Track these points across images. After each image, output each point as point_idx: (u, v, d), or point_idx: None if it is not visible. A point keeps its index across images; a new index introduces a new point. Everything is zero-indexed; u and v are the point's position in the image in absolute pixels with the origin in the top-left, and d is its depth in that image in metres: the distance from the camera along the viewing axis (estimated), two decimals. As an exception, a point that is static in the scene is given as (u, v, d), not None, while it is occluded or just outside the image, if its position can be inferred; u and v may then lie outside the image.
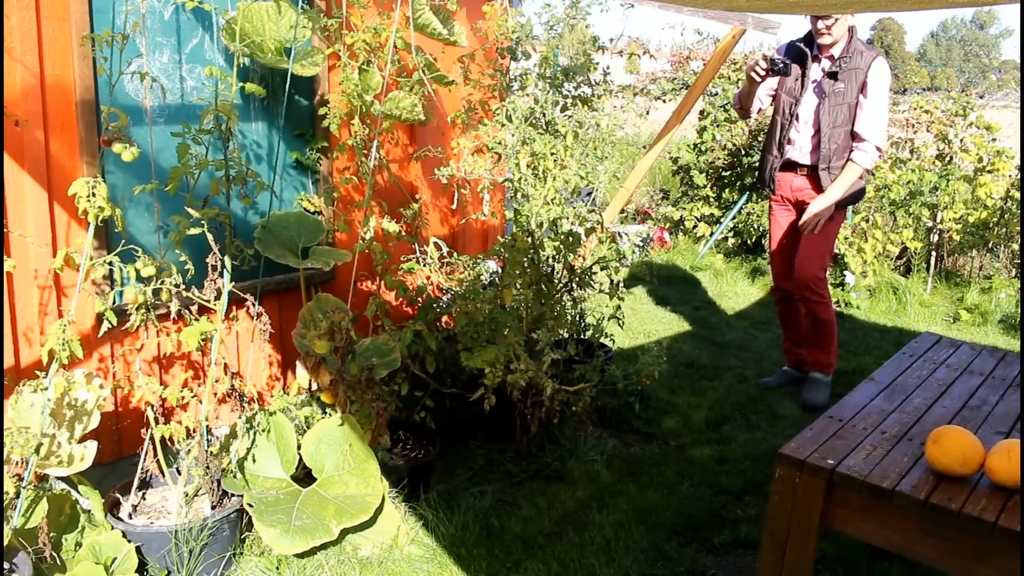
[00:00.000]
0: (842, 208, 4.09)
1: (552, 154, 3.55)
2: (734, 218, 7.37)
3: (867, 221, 6.55)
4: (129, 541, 2.52)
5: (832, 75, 3.84)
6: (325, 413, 3.09)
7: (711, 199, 7.63)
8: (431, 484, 3.23)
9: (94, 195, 2.38)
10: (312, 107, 3.28)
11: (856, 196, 4.09)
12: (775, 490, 2.03)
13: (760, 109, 4.16)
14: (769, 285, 6.62)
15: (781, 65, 3.78)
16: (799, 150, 4.01)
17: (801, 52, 3.94)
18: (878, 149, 3.84)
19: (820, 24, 3.79)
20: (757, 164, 7.19)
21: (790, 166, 4.07)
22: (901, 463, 1.98)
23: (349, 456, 2.86)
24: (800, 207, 4.10)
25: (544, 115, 3.66)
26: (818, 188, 3.98)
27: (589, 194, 7.09)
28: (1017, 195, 6.37)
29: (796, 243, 4.15)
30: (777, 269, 4.34)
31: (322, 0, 3.09)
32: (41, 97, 2.55)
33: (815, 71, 3.93)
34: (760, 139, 7.20)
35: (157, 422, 2.70)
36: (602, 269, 3.71)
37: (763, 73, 3.88)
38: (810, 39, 3.94)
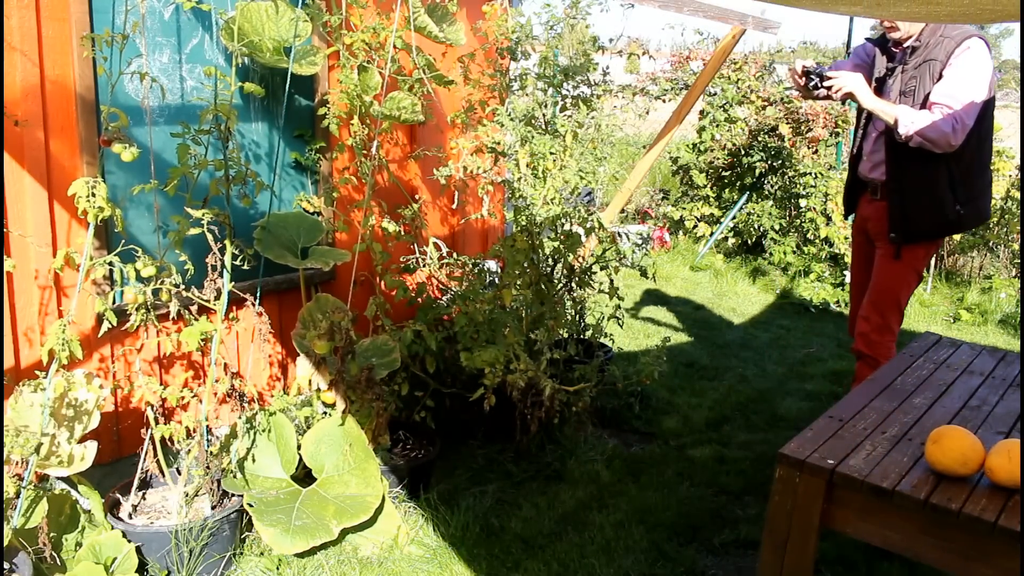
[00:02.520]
0: (926, 240, 3.25)
1: (551, 154, 3.55)
2: (734, 218, 7.37)
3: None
4: (129, 541, 2.52)
5: (891, 70, 3.20)
6: (325, 413, 3.09)
7: (711, 199, 7.63)
8: (431, 484, 3.23)
9: (94, 195, 2.38)
10: (312, 107, 3.28)
11: (945, 220, 3.18)
12: (775, 490, 2.03)
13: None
14: (770, 285, 6.63)
15: (816, 79, 3.18)
16: (866, 164, 3.33)
17: (872, 51, 3.33)
18: (955, 117, 2.95)
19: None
20: (756, 165, 7.21)
21: (865, 187, 3.38)
22: (901, 463, 1.98)
23: (349, 456, 2.86)
24: (870, 237, 3.40)
25: (544, 115, 3.67)
26: (891, 217, 3.20)
27: (589, 194, 7.10)
28: (1017, 195, 6.37)
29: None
30: (851, 314, 3.60)
31: (321, 0, 3.09)
32: (41, 97, 2.55)
33: (880, 67, 3.28)
34: (760, 139, 7.20)
35: (157, 422, 2.70)
36: (602, 269, 3.71)
37: (801, 87, 3.27)
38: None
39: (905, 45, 3.17)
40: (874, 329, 3.30)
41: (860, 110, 3.32)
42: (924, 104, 3.06)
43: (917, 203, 3.16)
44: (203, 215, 2.58)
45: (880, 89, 3.25)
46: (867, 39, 3.44)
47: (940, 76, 3.03)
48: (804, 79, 3.23)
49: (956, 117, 2.97)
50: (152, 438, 2.71)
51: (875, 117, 3.19)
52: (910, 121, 3.01)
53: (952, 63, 3.02)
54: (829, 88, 3.17)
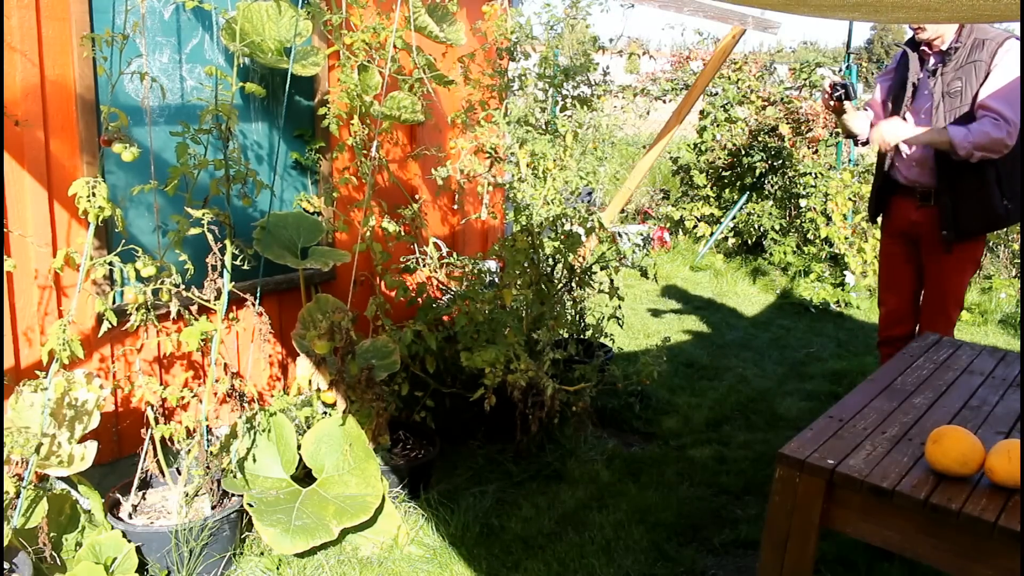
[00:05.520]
0: (977, 236, 3.29)
1: (552, 154, 3.55)
2: (734, 218, 7.37)
3: (867, 221, 6.55)
4: (129, 541, 2.52)
5: (933, 72, 3.23)
6: (325, 413, 3.09)
7: (711, 199, 7.63)
8: (431, 484, 3.23)
9: (94, 195, 2.38)
10: (312, 107, 3.28)
11: (994, 216, 3.23)
12: (775, 490, 2.03)
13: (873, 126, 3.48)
14: (770, 285, 6.62)
15: (841, 90, 3.25)
16: (909, 168, 3.32)
17: (905, 54, 3.36)
18: (1007, 120, 3.00)
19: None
20: (756, 165, 7.20)
21: (904, 191, 3.37)
22: (901, 463, 1.98)
23: (349, 456, 2.86)
24: (918, 243, 3.41)
25: (543, 115, 3.67)
26: (942, 221, 3.24)
27: (589, 194, 7.10)
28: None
29: (915, 285, 3.49)
30: (889, 314, 3.57)
31: (322, 0, 3.09)
32: (41, 97, 2.55)
33: (914, 70, 3.31)
34: (760, 139, 7.20)
35: (157, 422, 2.70)
36: (602, 269, 3.71)
37: (832, 103, 3.32)
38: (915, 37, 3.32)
39: (944, 47, 3.21)
40: (949, 331, 3.39)
41: (894, 111, 3.35)
42: (972, 105, 3.11)
43: (968, 202, 3.22)
44: (203, 215, 2.58)
45: (916, 92, 3.30)
46: (897, 44, 3.52)
47: (986, 77, 3.08)
48: (831, 92, 3.29)
49: (1007, 119, 3.02)
50: (152, 438, 2.71)
51: (916, 114, 3.26)
52: (966, 141, 3.07)
53: (997, 64, 3.08)
54: (857, 139, 3.37)
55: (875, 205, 3.56)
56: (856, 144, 3.66)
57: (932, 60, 3.26)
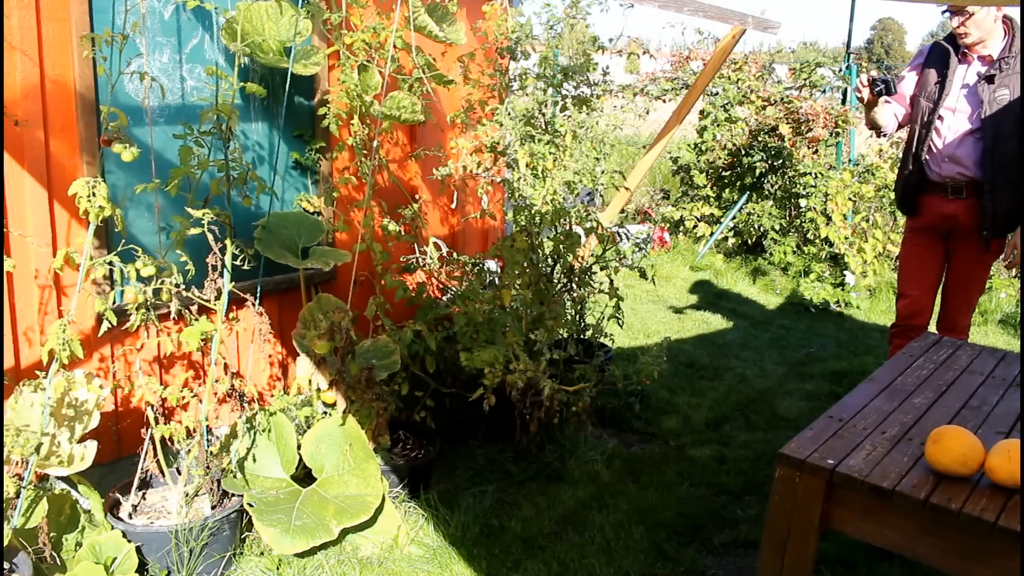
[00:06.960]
0: (1011, 231, 3.43)
1: (551, 154, 3.55)
2: (734, 218, 7.37)
3: (867, 221, 6.55)
4: (129, 541, 2.52)
5: (989, 79, 3.30)
6: (325, 413, 3.09)
7: (711, 199, 7.63)
8: (431, 484, 3.23)
9: (94, 195, 2.38)
10: (312, 107, 3.28)
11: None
12: (775, 490, 2.03)
13: (899, 125, 3.63)
14: (770, 285, 6.62)
15: (882, 85, 3.31)
16: (944, 165, 3.41)
17: (944, 51, 3.43)
18: None
19: (955, 20, 3.32)
20: (756, 165, 7.20)
21: (936, 187, 3.46)
22: (901, 463, 1.98)
23: (349, 456, 2.86)
24: (949, 237, 3.54)
25: (543, 115, 3.67)
26: (979, 214, 3.39)
27: (589, 194, 7.10)
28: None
29: (937, 278, 3.65)
30: (909, 304, 3.69)
31: (322, 0, 3.09)
32: (41, 97, 2.55)
33: (960, 73, 3.39)
34: (760, 139, 7.20)
35: (157, 422, 2.70)
36: (602, 269, 3.71)
37: (867, 96, 3.39)
38: (955, 38, 3.40)
39: (986, 53, 3.32)
40: (970, 319, 3.64)
41: (933, 107, 3.41)
42: (1014, 109, 3.24)
43: (1011, 200, 3.33)
44: (204, 215, 2.58)
45: (959, 94, 3.37)
46: (935, 42, 3.53)
47: None
48: (870, 87, 3.34)
49: None
50: (152, 438, 2.71)
51: (953, 113, 3.36)
52: None
53: None
54: (881, 131, 3.57)
55: (909, 198, 3.60)
56: (879, 136, 3.76)
57: (979, 64, 3.35)
